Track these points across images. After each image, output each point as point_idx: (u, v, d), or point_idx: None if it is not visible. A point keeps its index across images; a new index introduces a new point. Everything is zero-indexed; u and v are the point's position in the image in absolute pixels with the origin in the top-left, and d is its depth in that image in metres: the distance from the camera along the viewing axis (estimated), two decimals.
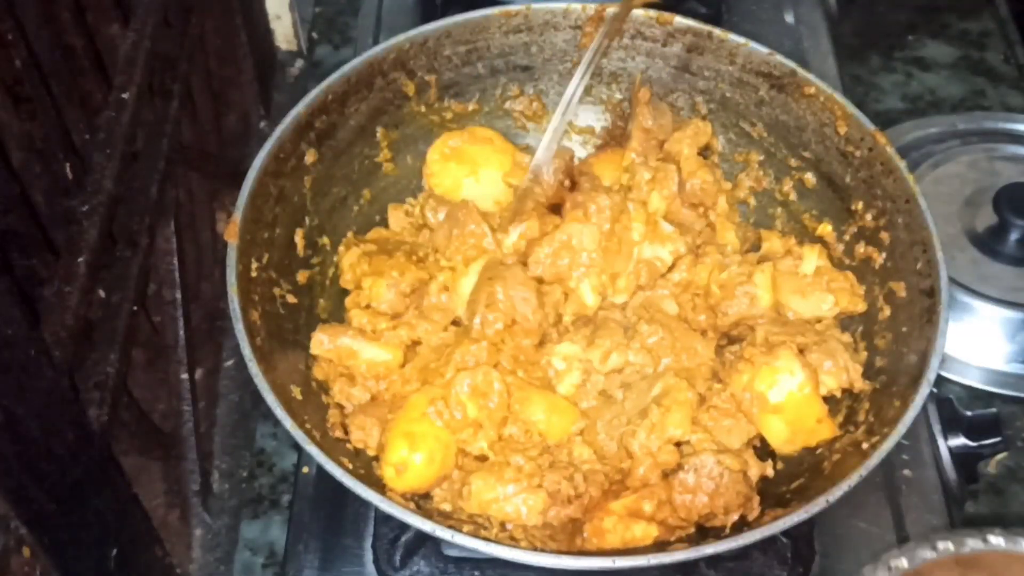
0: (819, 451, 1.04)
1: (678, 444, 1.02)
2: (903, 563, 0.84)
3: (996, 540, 0.85)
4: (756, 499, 1.00)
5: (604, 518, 0.98)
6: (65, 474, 0.91)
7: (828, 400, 1.07)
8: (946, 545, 0.84)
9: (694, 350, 1.09)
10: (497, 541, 0.91)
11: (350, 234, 1.22)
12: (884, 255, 1.11)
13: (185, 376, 1.25)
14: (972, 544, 0.84)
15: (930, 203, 1.06)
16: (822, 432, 1.04)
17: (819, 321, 1.13)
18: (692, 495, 0.99)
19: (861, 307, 1.12)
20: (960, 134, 1.51)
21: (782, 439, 1.05)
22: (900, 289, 1.07)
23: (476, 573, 1.08)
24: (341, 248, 1.20)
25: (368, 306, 1.14)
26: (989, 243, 1.36)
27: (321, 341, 1.09)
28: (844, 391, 1.07)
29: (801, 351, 1.06)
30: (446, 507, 1.02)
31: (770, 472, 1.04)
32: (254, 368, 0.94)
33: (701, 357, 1.09)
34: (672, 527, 0.99)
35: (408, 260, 1.16)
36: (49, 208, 1.12)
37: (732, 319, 1.12)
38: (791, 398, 1.03)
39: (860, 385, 1.06)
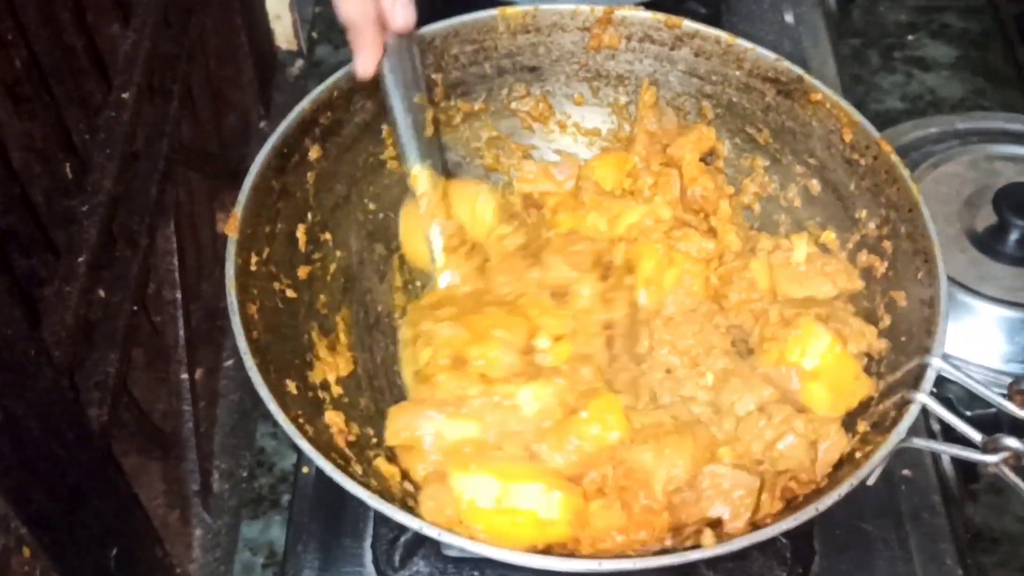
0: (859, 417, 1.03)
1: None
2: None
3: None
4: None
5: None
6: (65, 474, 0.91)
7: None
8: None
9: (707, 340, 1.10)
10: (492, 543, 0.91)
11: (409, 311, 1.17)
12: (886, 264, 1.11)
13: (185, 376, 1.26)
14: None
15: (930, 203, 1.06)
16: (861, 389, 1.04)
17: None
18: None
19: (858, 285, 1.13)
20: (960, 134, 1.51)
21: (827, 405, 1.04)
22: (900, 298, 1.07)
23: (476, 573, 1.08)
24: (406, 332, 1.15)
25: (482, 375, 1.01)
26: (989, 243, 1.36)
27: (397, 432, 0.98)
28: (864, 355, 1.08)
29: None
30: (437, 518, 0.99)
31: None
32: (249, 362, 0.93)
33: (713, 343, 1.10)
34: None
35: (500, 310, 1.04)
36: (49, 208, 1.12)
37: (733, 303, 1.13)
38: (825, 359, 1.04)
39: (878, 347, 1.07)
